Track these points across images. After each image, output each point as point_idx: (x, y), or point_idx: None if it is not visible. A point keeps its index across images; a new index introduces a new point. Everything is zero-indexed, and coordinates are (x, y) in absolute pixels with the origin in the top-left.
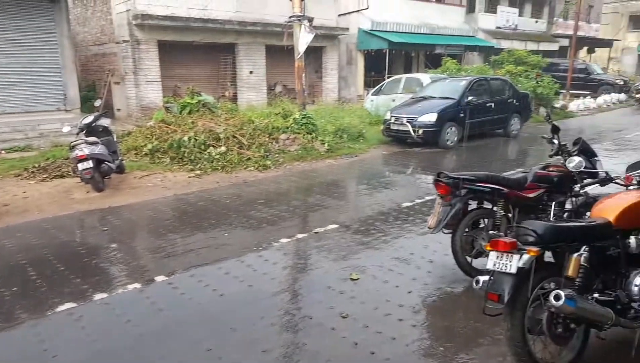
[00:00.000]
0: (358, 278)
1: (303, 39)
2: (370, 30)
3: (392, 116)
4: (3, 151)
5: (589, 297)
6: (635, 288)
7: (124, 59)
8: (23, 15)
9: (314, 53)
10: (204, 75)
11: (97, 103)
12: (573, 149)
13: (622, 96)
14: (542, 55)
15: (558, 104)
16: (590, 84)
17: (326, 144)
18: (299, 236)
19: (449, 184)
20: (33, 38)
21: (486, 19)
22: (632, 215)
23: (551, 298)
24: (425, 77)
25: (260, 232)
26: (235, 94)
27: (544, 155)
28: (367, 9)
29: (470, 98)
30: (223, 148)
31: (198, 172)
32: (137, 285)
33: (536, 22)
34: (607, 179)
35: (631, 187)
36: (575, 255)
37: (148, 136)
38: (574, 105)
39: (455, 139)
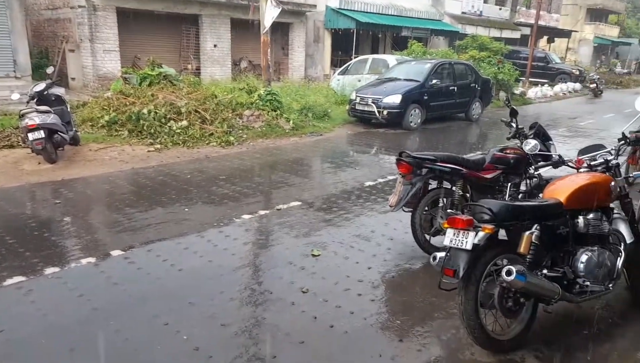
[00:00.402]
0: (319, 254)
1: (269, 14)
2: (338, 8)
3: (357, 96)
4: None
5: (538, 273)
6: (581, 265)
7: (79, 26)
8: None
9: (281, 29)
10: (165, 46)
11: (50, 70)
12: (529, 133)
13: (578, 86)
14: (505, 42)
15: (517, 90)
16: (549, 73)
17: (291, 122)
18: (261, 212)
19: (411, 163)
20: None
21: (452, 3)
22: (581, 196)
23: (503, 273)
24: (391, 58)
25: (222, 208)
26: (199, 68)
27: (503, 139)
28: None
29: (434, 81)
30: (185, 122)
31: (158, 146)
32: (92, 259)
33: (500, 9)
34: (559, 162)
35: (582, 170)
36: (527, 232)
37: (105, 107)
38: (533, 92)
39: (419, 121)
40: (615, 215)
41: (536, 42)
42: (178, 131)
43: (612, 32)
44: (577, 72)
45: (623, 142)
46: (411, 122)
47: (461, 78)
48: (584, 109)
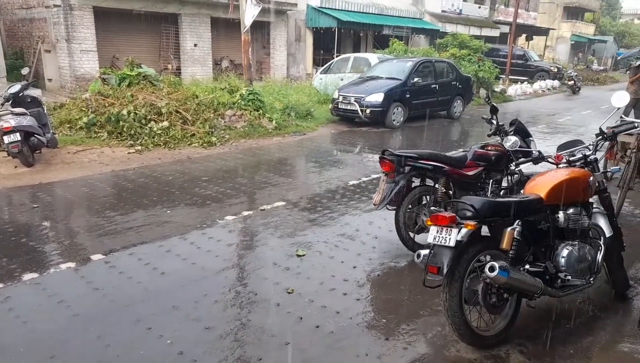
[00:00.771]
0: (304, 255)
1: (249, 12)
2: (319, 7)
3: (340, 95)
4: None
5: (521, 268)
6: (562, 260)
7: (55, 25)
8: None
9: (262, 28)
10: (145, 46)
11: (25, 71)
12: (510, 130)
13: (556, 83)
14: (484, 40)
15: (498, 88)
16: (528, 70)
17: (274, 122)
18: (245, 213)
19: (394, 161)
20: None
21: (432, 2)
22: (561, 192)
23: (486, 269)
24: (373, 57)
25: (205, 210)
26: (179, 68)
27: (484, 136)
28: None
29: (416, 79)
30: (165, 123)
31: (138, 148)
32: (71, 264)
33: (479, 7)
34: (539, 158)
35: (561, 165)
36: (509, 228)
37: (83, 108)
38: (512, 90)
39: (402, 119)
40: (594, 210)
41: (515, 40)
42: (159, 132)
43: (588, 30)
44: (556, 70)
45: (600, 137)
46: (394, 120)
47: (442, 76)
48: (562, 105)
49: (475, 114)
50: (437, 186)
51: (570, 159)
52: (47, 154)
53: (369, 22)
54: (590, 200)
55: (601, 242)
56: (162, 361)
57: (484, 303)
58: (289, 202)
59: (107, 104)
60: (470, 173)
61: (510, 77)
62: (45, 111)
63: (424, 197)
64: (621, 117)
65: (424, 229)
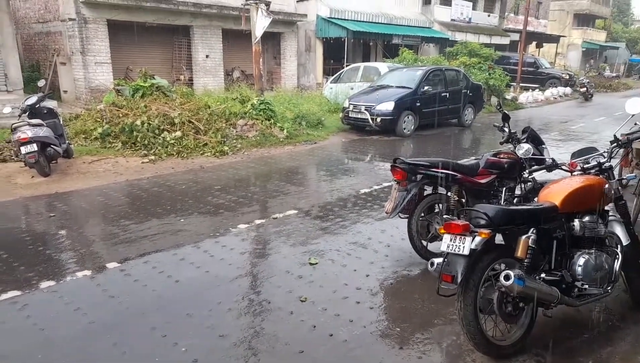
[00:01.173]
0: (317, 263)
1: (260, 24)
2: (329, 17)
3: (350, 104)
4: None
5: (537, 277)
6: (579, 268)
7: (70, 39)
8: None
9: (273, 39)
10: (158, 58)
11: (41, 83)
12: (522, 137)
13: (568, 90)
14: (494, 48)
15: (509, 95)
16: (539, 78)
17: (285, 131)
18: (258, 221)
19: (405, 169)
20: None
21: (441, 11)
22: (576, 199)
23: (501, 278)
24: (383, 66)
25: (218, 218)
26: (191, 79)
27: (496, 144)
28: None
29: (426, 88)
30: (178, 133)
31: (152, 157)
32: (87, 272)
33: (489, 16)
34: (553, 166)
35: (575, 173)
36: (523, 237)
37: (98, 119)
38: (524, 97)
39: (412, 127)
40: (610, 217)
41: (525, 48)
42: (172, 141)
43: (599, 36)
44: (567, 77)
45: (615, 144)
46: (404, 129)
47: (453, 84)
48: (575, 112)
49: (486, 122)
50: (449, 194)
51: (585, 166)
52: (63, 164)
53: (378, 32)
54: (607, 208)
55: (618, 250)
56: None
57: (500, 312)
58: (301, 210)
59: (121, 115)
60: (482, 181)
61: (521, 84)
62: (61, 122)
63: (436, 205)
64: (636, 123)
65: (437, 237)
